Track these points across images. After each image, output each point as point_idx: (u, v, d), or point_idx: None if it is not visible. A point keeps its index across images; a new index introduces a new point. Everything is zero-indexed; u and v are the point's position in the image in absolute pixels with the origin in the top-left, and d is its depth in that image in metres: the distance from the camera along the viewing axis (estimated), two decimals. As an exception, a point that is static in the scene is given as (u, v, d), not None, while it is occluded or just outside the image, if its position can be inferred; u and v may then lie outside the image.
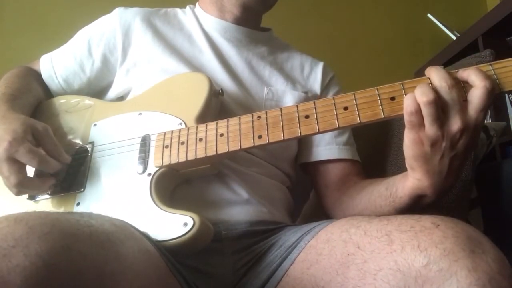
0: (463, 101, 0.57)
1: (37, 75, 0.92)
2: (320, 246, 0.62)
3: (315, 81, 0.92)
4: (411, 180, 0.63)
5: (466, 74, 0.58)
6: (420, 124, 0.57)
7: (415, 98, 0.56)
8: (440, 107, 0.56)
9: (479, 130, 0.58)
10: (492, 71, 0.59)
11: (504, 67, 0.59)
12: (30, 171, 0.72)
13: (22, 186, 0.68)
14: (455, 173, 0.60)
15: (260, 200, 0.77)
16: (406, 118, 0.57)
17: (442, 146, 0.57)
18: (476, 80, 0.57)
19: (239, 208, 0.74)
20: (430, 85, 0.58)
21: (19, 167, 0.68)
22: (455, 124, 0.56)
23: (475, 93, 0.56)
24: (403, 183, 0.65)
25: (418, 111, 0.56)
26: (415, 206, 0.65)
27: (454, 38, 1.97)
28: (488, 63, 0.59)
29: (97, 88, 0.91)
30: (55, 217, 0.45)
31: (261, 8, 0.89)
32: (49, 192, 0.73)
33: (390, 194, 0.67)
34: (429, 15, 2.07)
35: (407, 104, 0.57)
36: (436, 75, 0.58)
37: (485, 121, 1.26)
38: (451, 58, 1.79)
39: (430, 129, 0.56)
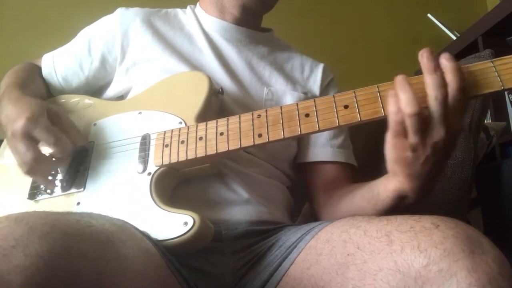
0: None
1: (41, 72, 0.93)
2: (320, 246, 0.62)
3: (315, 83, 0.92)
4: (393, 183, 0.63)
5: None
6: (405, 132, 0.57)
7: (400, 107, 0.55)
8: (424, 118, 0.55)
9: (459, 134, 0.59)
10: (493, 67, 0.58)
11: (505, 63, 0.58)
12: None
13: (38, 162, 0.68)
14: (436, 175, 0.61)
15: (260, 200, 0.77)
16: (392, 126, 0.57)
17: (424, 152, 0.57)
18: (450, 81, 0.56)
19: (239, 208, 0.74)
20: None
21: (35, 144, 0.68)
22: (439, 133, 0.56)
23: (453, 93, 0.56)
24: (384, 186, 0.65)
25: (404, 121, 0.56)
26: (397, 207, 0.65)
27: (454, 38, 1.97)
28: (489, 60, 0.58)
29: (94, 88, 0.91)
30: (55, 217, 0.45)
31: (261, 9, 0.89)
32: (49, 191, 0.73)
33: (372, 196, 0.68)
34: (429, 15, 2.07)
35: (392, 112, 0.56)
36: (430, 81, 0.56)
37: (485, 121, 1.26)
38: (451, 58, 1.79)
39: (412, 138, 0.56)
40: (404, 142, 0.57)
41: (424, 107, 0.55)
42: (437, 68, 0.56)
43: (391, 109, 0.57)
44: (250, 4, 0.86)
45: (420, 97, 0.56)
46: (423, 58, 0.57)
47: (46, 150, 0.70)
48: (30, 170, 0.69)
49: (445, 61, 0.57)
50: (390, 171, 0.63)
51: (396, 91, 0.57)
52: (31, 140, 0.68)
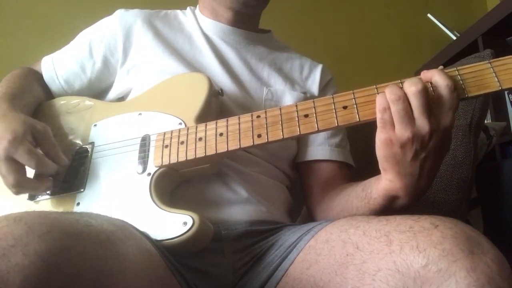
0: (433, 104, 0.58)
1: (38, 76, 0.92)
2: (319, 246, 0.62)
3: (313, 83, 0.92)
4: (383, 181, 0.64)
5: (430, 74, 0.60)
6: (391, 123, 0.58)
7: (385, 96, 0.58)
8: (408, 105, 0.57)
9: (449, 132, 0.59)
10: (491, 68, 0.59)
11: (503, 64, 0.59)
12: (30, 171, 0.72)
13: (20, 186, 0.68)
14: (428, 175, 0.61)
15: (259, 199, 0.77)
16: (379, 116, 0.59)
17: (412, 147, 0.58)
18: (439, 80, 0.58)
19: (239, 207, 0.75)
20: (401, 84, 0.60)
21: (17, 167, 0.68)
22: (425, 126, 0.57)
23: (439, 93, 0.58)
24: (377, 184, 0.66)
25: (389, 109, 0.58)
26: (389, 207, 0.66)
27: (454, 38, 1.97)
28: (487, 61, 0.59)
29: (97, 90, 0.91)
30: (54, 217, 0.45)
31: (251, 10, 0.89)
32: (49, 192, 0.73)
33: (366, 195, 0.68)
34: (429, 15, 2.07)
35: (379, 103, 0.59)
36: (407, 81, 0.59)
37: (485, 121, 1.26)
38: (451, 58, 1.79)
39: (399, 128, 0.57)
40: (392, 136, 0.58)
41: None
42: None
43: (377, 99, 0.59)
44: (239, 7, 0.87)
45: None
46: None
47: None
48: (17, 192, 0.70)
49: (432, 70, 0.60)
50: (381, 169, 0.63)
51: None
52: (13, 162, 0.67)
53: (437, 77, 0.59)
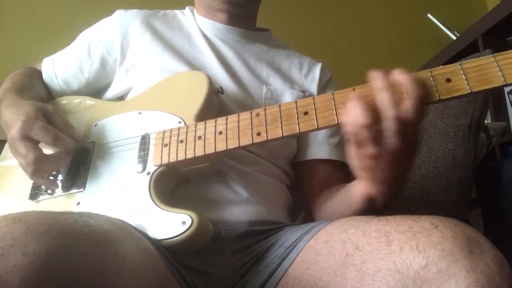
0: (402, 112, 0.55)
1: (40, 75, 0.93)
2: (319, 246, 0.62)
3: (313, 81, 0.92)
4: (362, 187, 0.65)
5: (400, 78, 0.58)
6: (364, 142, 0.57)
7: (352, 120, 0.56)
8: (374, 128, 0.55)
9: (419, 138, 0.59)
10: (495, 63, 0.57)
11: (507, 58, 0.57)
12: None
13: (41, 162, 0.68)
14: (402, 177, 0.62)
15: (259, 199, 0.77)
16: (351, 136, 0.58)
17: (383, 161, 0.58)
18: (410, 90, 0.56)
19: (239, 207, 0.74)
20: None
21: (35, 145, 0.68)
22: (394, 144, 0.56)
23: (408, 105, 0.56)
24: (356, 189, 0.67)
25: (364, 130, 0.56)
26: (369, 208, 0.67)
27: (454, 38, 1.97)
28: (491, 55, 0.57)
29: (95, 89, 0.92)
30: (53, 217, 0.45)
31: (242, 10, 0.89)
32: (49, 192, 0.74)
33: (347, 197, 0.70)
34: (429, 15, 2.07)
35: (345, 124, 0.57)
36: (381, 103, 0.56)
37: (485, 121, 1.26)
38: (451, 58, 1.79)
39: (368, 148, 0.57)
40: (363, 152, 0.58)
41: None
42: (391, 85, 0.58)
43: (344, 121, 0.58)
44: (225, 8, 0.87)
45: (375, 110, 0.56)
46: (375, 78, 0.59)
47: (47, 151, 0.70)
48: (35, 171, 0.69)
49: (399, 75, 0.58)
50: (358, 177, 0.64)
51: (348, 106, 0.57)
52: (30, 141, 0.68)
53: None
